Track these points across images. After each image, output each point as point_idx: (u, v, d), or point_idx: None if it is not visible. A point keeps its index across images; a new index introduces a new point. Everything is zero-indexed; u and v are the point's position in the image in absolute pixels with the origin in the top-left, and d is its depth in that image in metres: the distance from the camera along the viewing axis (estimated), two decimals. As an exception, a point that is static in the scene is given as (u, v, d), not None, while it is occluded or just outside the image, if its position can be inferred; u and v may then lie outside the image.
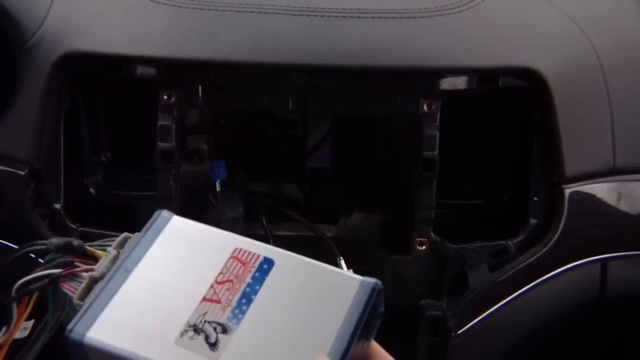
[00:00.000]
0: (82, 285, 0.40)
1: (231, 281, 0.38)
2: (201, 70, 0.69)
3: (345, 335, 0.36)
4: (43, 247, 0.43)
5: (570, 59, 0.70)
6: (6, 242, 0.67)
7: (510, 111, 0.78)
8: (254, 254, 0.40)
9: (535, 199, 0.71)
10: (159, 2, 0.70)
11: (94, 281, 0.39)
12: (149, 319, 0.37)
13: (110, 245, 0.42)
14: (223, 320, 0.37)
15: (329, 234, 0.79)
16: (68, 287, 0.41)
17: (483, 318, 0.68)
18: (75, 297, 0.39)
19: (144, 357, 0.36)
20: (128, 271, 0.39)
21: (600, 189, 0.69)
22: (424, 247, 0.72)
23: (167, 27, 0.69)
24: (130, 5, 0.70)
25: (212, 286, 0.38)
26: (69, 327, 0.37)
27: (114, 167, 0.82)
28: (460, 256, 0.71)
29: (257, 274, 0.39)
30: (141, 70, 0.70)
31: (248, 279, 0.38)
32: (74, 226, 0.70)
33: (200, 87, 0.70)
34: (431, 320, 0.71)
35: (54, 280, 0.41)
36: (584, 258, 0.69)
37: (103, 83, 0.79)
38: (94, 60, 0.69)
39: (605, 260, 0.69)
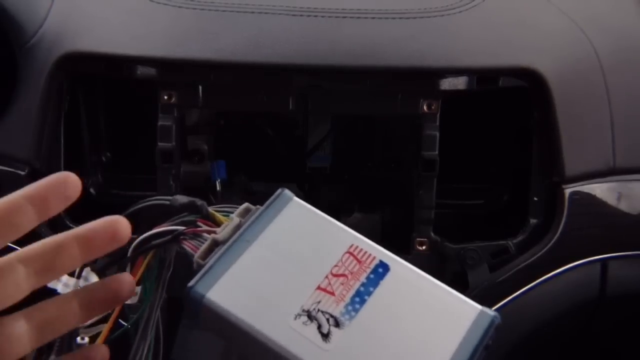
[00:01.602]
0: (204, 246, 0.40)
1: (346, 276, 0.38)
2: (201, 71, 0.69)
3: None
4: (167, 202, 0.44)
5: (570, 59, 0.70)
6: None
7: (510, 111, 0.78)
8: (370, 254, 0.39)
9: (535, 198, 0.71)
10: (159, 3, 0.70)
11: (215, 244, 0.40)
12: (265, 294, 0.37)
13: (231, 212, 0.42)
14: (336, 313, 0.37)
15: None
16: (189, 246, 0.41)
17: (483, 318, 0.68)
18: (196, 256, 0.39)
19: (259, 330, 0.36)
20: (249, 242, 0.39)
21: (600, 189, 0.69)
22: (424, 247, 0.72)
23: (168, 28, 0.69)
24: (130, 5, 0.71)
25: (327, 276, 0.38)
26: (191, 283, 0.37)
27: (114, 167, 0.82)
28: (460, 256, 0.71)
29: (371, 276, 0.38)
30: (141, 70, 0.70)
31: (363, 278, 0.38)
32: (73, 226, 0.70)
33: (200, 87, 0.70)
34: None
35: (177, 237, 0.41)
36: (584, 258, 0.69)
37: (103, 83, 0.79)
38: (94, 61, 0.69)
39: (605, 260, 0.69)
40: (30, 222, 0.34)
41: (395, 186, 0.82)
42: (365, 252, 0.40)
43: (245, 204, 0.42)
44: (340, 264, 0.39)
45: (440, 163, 0.70)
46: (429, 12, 0.69)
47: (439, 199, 0.72)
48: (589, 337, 0.79)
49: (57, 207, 0.35)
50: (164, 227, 0.42)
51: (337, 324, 0.36)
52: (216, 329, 0.38)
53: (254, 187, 0.84)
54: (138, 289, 0.43)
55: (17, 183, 0.67)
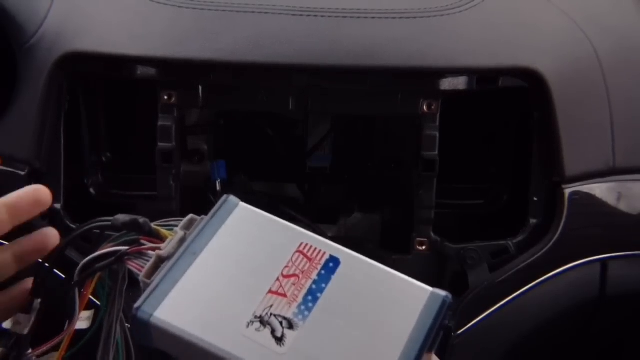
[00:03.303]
0: (149, 264, 0.39)
1: (297, 276, 0.38)
2: (201, 71, 0.69)
3: (415, 347, 0.36)
4: (108, 223, 0.42)
5: (570, 59, 0.70)
6: (6, 242, 0.67)
7: (510, 111, 0.78)
8: (319, 250, 0.39)
9: (535, 199, 0.71)
10: (159, 2, 0.70)
11: (160, 260, 0.39)
12: (215, 306, 0.37)
13: (176, 226, 0.41)
14: (289, 315, 0.36)
15: (329, 234, 0.79)
16: (134, 265, 0.40)
17: (483, 318, 0.68)
18: (142, 275, 0.39)
19: (211, 344, 0.35)
20: (195, 254, 0.38)
21: (600, 189, 0.69)
22: (424, 247, 0.72)
23: (168, 27, 0.69)
24: (130, 5, 0.71)
25: (278, 279, 0.38)
26: (137, 304, 0.36)
27: (114, 167, 0.82)
28: (460, 256, 0.71)
29: (323, 272, 0.38)
30: (141, 70, 0.70)
31: (314, 276, 0.38)
32: (73, 226, 0.70)
33: (200, 87, 0.70)
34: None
35: (120, 258, 0.40)
36: (584, 258, 0.69)
37: (103, 83, 0.79)
38: (94, 60, 0.69)
39: (605, 260, 0.69)
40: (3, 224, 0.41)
41: (395, 186, 0.82)
42: (315, 249, 0.39)
43: (189, 216, 0.41)
44: (290, 264, 0.38)
45: (440, 163, 0.70)
46: (429, 12, 0.69)
47: (439, 199, 0.72)
48: (589, 337, 0.79)
49: (29, 213, 0.42)
50: (106, 248, 0.41)
51: (291, 326, 0.36)
52: (169, 347, 0.37)
53: (254, 187, 0.84)
54: (88, 313, 0.44)
55: (17, 183, 0.67)
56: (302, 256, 0.39)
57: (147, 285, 0.38)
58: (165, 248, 0.39)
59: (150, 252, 0.40)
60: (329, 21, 0.68)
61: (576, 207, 0.68)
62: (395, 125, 0.83)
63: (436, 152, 0.70)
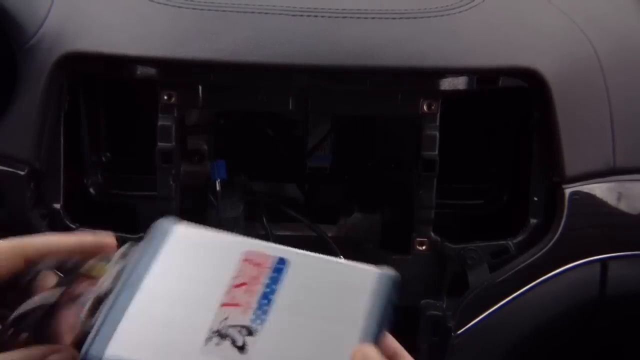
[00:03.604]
0: (87, 306, 0.37)
1: (247, 283, 0.37)
2: (201, 71, 0.69)
3: (372, 325, 0.36)
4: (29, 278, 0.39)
5: (570, 59, 0.70)
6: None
7: (510, 111, 0.78)
8: (266, 255, 0.39)
9: (535, 198, 0.71)
10: (159, 2, 0.70)
11: (99, 300, 0.37)
12: (169, 329, 0.36)
13: (109, 260, 0.39)
14: (246, 322, 0.36)
15: (329, 234, 0.79)
16: (71, 313, 0.37)
17: (483, 318, 0.68)
18: (82, 319, 0.36)
19: None
20: (136, 284, 0.37)
21: (600, 189, 0.69)
22: (424, 247, 0.72)
23: (167, 27, 0.69)
24: (130, 5, 0.70)
25: (228, 291, 0.37)
26: (84, 349, 0.34)
27: (114, 167, 0.82)
28: (460, 256, 0.71)
29: (272, 274, 0.38)
30: (141, 70, 0.70)
31: (264, 280, 0.38)
32: (73, 226, 0.70)
33: (200, 88, 0.70)
34: (431, 320, 0.71)
35: (51, 311, 0.37)
36: (584, 258, 0.69)
37: (103, 83, 0.79)
38: (94, 61, 0.69)
39: (605, 260, 0.69)
40: None
41: (395, 186, 0.82)
42: (262, 254, 0.39)
43: (123, 247, 0.39)
44: (239, 274, 0.38)
45: (440, 163, 0.70)
46: (429, 12, 0.69)
47: (439, 199, 0.72)
48: (589, 337, 0.79)
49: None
50: (31, 302, 0.37)
51: (250, 332, 0.36)
52: None
53: (254, 187, 0.84)
54: None
55: (17, 183, 0.67)
56: (249, 264, 0.38)
57: (90, 326, 0.36)
58: (102, 286, 0.37)
59: (87, 295, 0.37)
60: (329, 21, 0.68)
61: (576, 207, 0.68)
62: (395, 125, 0.83)
63: (436, 152, 0.70)
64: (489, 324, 0.69)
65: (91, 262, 0.39)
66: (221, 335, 0.35)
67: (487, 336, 0.70)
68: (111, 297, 0.36)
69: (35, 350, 0.35)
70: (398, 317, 0.38)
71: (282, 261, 0.39)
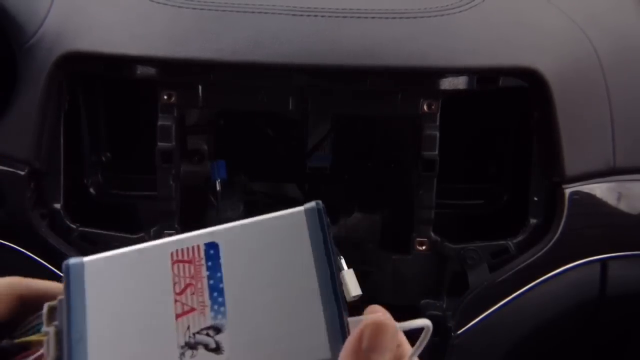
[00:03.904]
0: None
1: (190, 285, 0.36)
2: (201, 70, 0.69)
3: (323, 261, 0.36)
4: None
5: (570, 59, 0.70)
6: (6, 242, 0.67)
7: (510, 111, 0.78)
8: (192, 247, 0.37)
9: (535, 199, 0.71)
10: (159, 2, 0.70)
11: None
12: (137, 348, 0.34)
13: (39, 327, 0.36)
14: (209, 322, 0.35)
15: (329, 234, 0.79)
16: None
17: (483, 318, 0.68)
18: None
19: None
20: (82, 337, 0.35)
21: (600, 189, 0.69)
22: (424, 247, 0.72)
23: (167, 27, 0.69)
24: (130, 5, 0.70)
25: (175, 300, 0.35)
26: None
27: (114, 167, 0.82)
28: (460, 256, 0.71)
29: (209, 264, 0.36)
30: (141, 70, 0.70)
31: (204, 273, 0.36)
32: (73, 226, 0.70)
33: (200, 87, 0.70)
34: (431, 320, 0.71)
35: None
36: (584, 258, 0.69)
37: (103, 83, 0.79)
38: (94, 60, 0.69)
39: (605, 260, 0.69)
40: None
41: (395, 186, 0.82)
42: (188, 248, 0.37)
43: (45, 306, 0.36)
44: (176, 280, 0.36)
45: (440, 163, 0.70)
46: (429, 12, 0.69)
47: (439, 199, 0.72)
48: (589, 336, 0.79)
49: None
50: None
51: (218, 330, 0.34)
52: None
53: (254, 187, 0.84)
54: None
55: (17, 183, 0.67)
56: (181, 264, 0.36)
57: None
58: (49, 354, 0.34)
59: None
60: (329, 21, 0.68)
61: (576, 207, 0.68)
62: (395, 125, 0.83)
63: (436, 152, 0.70)
64: (489, 324, 0.69)
65: (20, 334, 0.36)
66: (191, 346, 0.34)
67: (487, 336, 0.70)
68: (65, 354, 0.34)
69: None
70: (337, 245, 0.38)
71: (210, 246, 0.37)
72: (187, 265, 0.36)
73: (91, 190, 0.80)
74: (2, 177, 0.67)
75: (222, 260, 0.36)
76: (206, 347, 0.34)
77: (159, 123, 0.70)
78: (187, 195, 0.75)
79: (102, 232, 0.70)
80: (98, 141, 0.81)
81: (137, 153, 0.79)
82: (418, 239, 0.72)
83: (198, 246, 0.37)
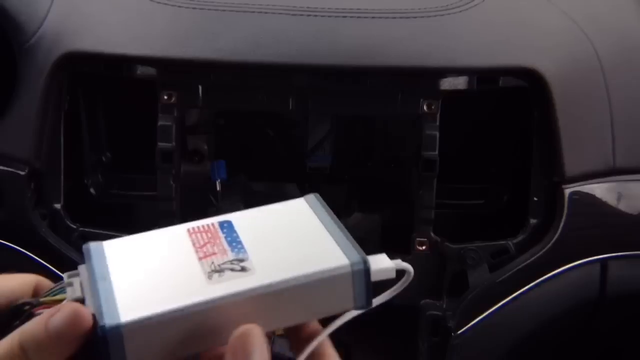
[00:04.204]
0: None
1: (208, 242, 0.37)
2: (201, 70, 0.69)
3: (340, 234, 0.39)
4: None
5: (570, 59, 0.70)
6: (6, 242, 0.67)
7: (510, 111, 0.78)
8: (207, 224, 0.39)
9: (535, 199, 0.71)
10: (159, 2, 0.70)
11: (78, 300, 0.34)
12: (165, 284, 0.35)
13: (62, 290, 0.36)
14: (231, 257, 0.36)
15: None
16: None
17: (483, 318, 0.68)
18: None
19: (194, 303, 0.33)
20: (105, 275, 0.35)
21: (600, 189, 0.69)
22: (424, 247, 0.72)
23: (167, 27, 0.69)
24: (130, 5, 0.71)
25: (196, 250, 0.37)
26: (99, 325, 0.31)
27: (114, 167, 0.82)
28: (460, 256, 0.71)
29: (225, 231, 0.38)
30: (141, 70, 0.70)
31: (221, 234, 0.38)
32: (74, 226, 0.70)
33: (200, 87, 0.70)
34: (431, 320, 0.71)
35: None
36: (584, 258, 0.69)
37: (103, 83, 0.79)
38: (94, 60, 0.69)
39: (605, 260, 0.69)
40: None
41: (395, 186, 0.82)
42: (204, 225, 0.39)
43: (65, 275, 0.36)
44: (195, 241, 0.38)
45: (440, 163, 0.70)
46: (429, 12, 0.69)
47: (439, 199, 0.72)
48: (589, 337, 0.79)
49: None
50: None
51: (242, 260, 0.36)
52: (151, 346, 0.33)
53: (254, 187, 0.84)
54: None
55: (17, 183, 0.67)
56: (198, 233, 0.38)
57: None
58: (72, 294, 0.34)
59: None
60: (329, 21, 0.68)
61: (576, 207, 0.68)
62: (395, 125, 0.83)
63: (436, 152, 0.70)
64: (489, 324, 0.69)
65: (45, 293, 0.36)
66: (218, 270, 0.35)
67: (487, 336, 0.70)
68: (88, 290, 0.34)
69: (33, 324, 0.32)
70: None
71: (224, 222, 0.39)
72: (203, 233, 0.38)
73: (91, 190, 0.80)
74: (2, 177, 0.67)
75: (236, 229, 0.38)
76: (232, 269, 0.35)
77: (159, 123, 0.70)
78: (187, 195, 0.75)
79: (102, 232, 0.70)
80: (98, 141, 0.81)
81: (137, 153, 0.79)
82: (418, 239, 0.72)
83: (212, 224, 0.39)
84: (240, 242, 0.37)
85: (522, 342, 0.71)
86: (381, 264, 0.39)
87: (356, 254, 0.37)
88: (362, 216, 0.83)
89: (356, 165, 0.85)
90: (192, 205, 0.76)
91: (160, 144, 0.69)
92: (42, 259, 0.67)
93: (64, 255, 0.67)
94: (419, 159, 0.70)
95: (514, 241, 0.71)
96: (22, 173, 0.67)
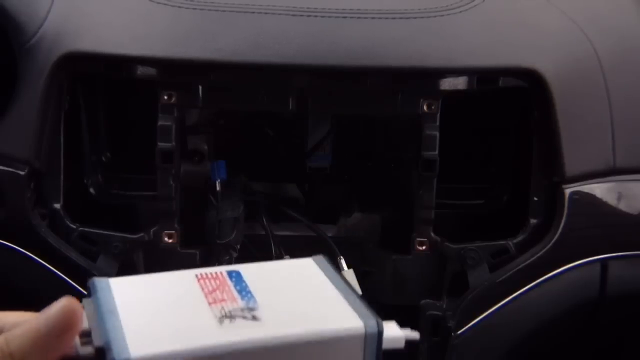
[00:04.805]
0: (76, 339, 0.33)
1: (217, 289, 0.37)
2: (201, 71, 0.69)
3: (349, 291, 0.38)
4: None
5: (570, 59, 0.70)
6: (6, 242, 0.67)
7: (510, 111, 0.78)
8: (215, 272, 0.39)
9: (535, 198, 0.71)
10: (159, 2, 0.70)
11: (85, 333, 0.33)
12: (175, 324, 0.34)
13: None
14: (242, 305, 0.36)
15: (329, 234, 0.79)
16: None
17: (483, 318, 0.68)
18: (78, 344, 0.33)
19: (206, 346, 0.32)
20: (112, 309, 0.35)
21: (600, 189, 0.69)
22: (424, 247, 0.72)
23: (167, 27, 0.69)
24: (130, 5, 0.71)
25: (205, 296, 0.36)
26: (109, 357, 0.31)
27: (114, 167, 0.82)
28: (460, 256, 0.71)
29: (233, 280, 0.38)
30: (141, 70, 0.70)
31: (229, 282, 0.38)
32: (73, 226, 0.70)
33: (200, 87, 0.70)
34: (431, 320, 0.71)
35: None
36: (584, 258, 0.69)
37: (103, 83, 0.79)
38: (94, 61, 0.69)
39: (605, 260, 0.69)
40: None
41: (395, 186, 0.82)
42: (211, 273, 0.39)
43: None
44: (203, 286, 0.37)
45: (440, 163, 0.70)
46: (429, 12, 0.69)
47: (439, 199, 0.72)
48: (589, 337, 0.79)
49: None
50: None
51: (252, 309, 0.35)
52: None
53: (254, 187, 0.84)
54: None
55: (17, 183, 0.67)
56: (207, 280, 0.38)
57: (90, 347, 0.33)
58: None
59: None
60: (328, 21, 0.68)
61: (576, 207, 0.68)
62: (395, 125, 0.83)
63: (436, 152, 0.70)
64: (489, 324, 0.69)
65: None
66: (229, 317, 0.35)
67: (487, 336, 0.70)
68: (95, 325, 0.34)
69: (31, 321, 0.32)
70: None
71: (232, 272, 0.39)
72: (212, 279, 0.38)
73: (91, 190, 0.80)
74: (2, 177, 0.67)
75: (244, 278, 0.38)
76: (244, 317, 0.35)
77: (159, 123, 0.70)
78: (187, 195, 0.75)
79: (102, 232, 0.70)
80: (98, 141, 0.81)
81: (137, 153, 0.79)
82: (418, 239, 0.72)
83: (221, 272, 0.39)
84: (249, 292, 0.37)
85: (522, 342, 0.71)
86: (391, 331, 0.37)
87: (371, 316, 0.36)
88: (362, 216, 0.83)
89: (356, 165, 0.85)
90: (192, 205, 0.76)
91: (160, 144, 0.69)
92: (42, 259, 0.67)
93: (64, 255, 0.67)
94: (419, 159, 0.70)
95: (514, 241, 0.71)
96: (22, 173, 0.67)
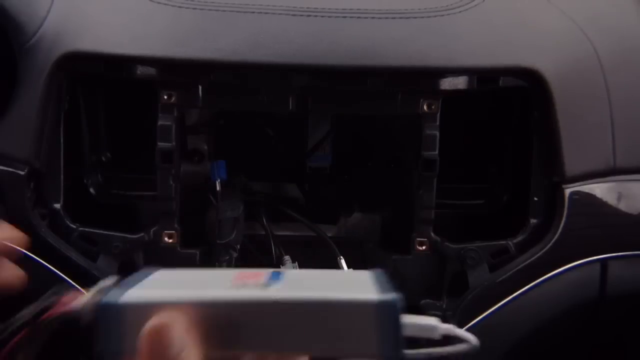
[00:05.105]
0: (92, 290, 0.35)
1: (250, 276, 0.37)
2: (201, 70, 0.69)
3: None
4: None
5: (570, 59, 0.70)
6: (6, 242, 0.67)
7: (510, 111, 0.78)
8: (258, 272, 0.38)
9: (535, 198, 0.71)
10: (159, 2, 0.70)
11: (102, 290, 0.34)
12: (187, 286, 0.35)
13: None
14: (263, 281, 0.36)
15: (329, 234, 0.79)
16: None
17: (483, 318, 0.68)
18: (83, 307, 0.34)
19: (197, 298, 0.33)
20: (140, 276, 0.36)
21: (600, 189, 0.69)
22: (424, 247, 0.72)
23: (167, 27, 0.69)
24: (130, 5, 0.70)
25: (234, 279, 0.36)
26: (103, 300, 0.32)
27: (114, 167, 0.82)
28: (460, 256, 0.71)
29: (273, 274, 0.38)
30: (141, 70, 0.70)
31: (266, 274, 0.38)
32: (73, 226, 0.70)
33: (200, 87, 0.70)
34: (431, 320, 0.71)
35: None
36: (584, 258, 0.69)
37: (103, 83, 0.79)
38: (94, 60, 0.69)
39: (605, 260, 0.69)
40: None
41: (395, 186, 0.82)
42: (255, 272, 0.38)
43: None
44: (237, 277, 0.37)
45: (440, 163, 0.70)
46: (429, 12, 0.69)
47: (439, 199, 0.72)
48: (589, 337, 0.79)
49: None
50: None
51: (269, 285, 0.36)
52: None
53: (254, 187, 0.84)
54: None
55: (17, 183, 0.67)
56: (246, 273, 0.38)
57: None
58: (105, 281, 0.35)
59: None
60: (328, 21, 0.68)
61: (576, 207, 0.68)
62: (395, 125, 0.83)
63: (436, 152, 0.70)
64: (489, 324, 0.69)
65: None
66: (243, 285, 0.35)
67: (487, 336, 0.70)
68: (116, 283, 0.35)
69: None
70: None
71: (275, 273, 0.38)
72: (252, 274, 0.38)
73: (91, 190, 0.80)
74: (2, 177, 0.67)
75: (285, 274, 0.38)
76: (256, 285, 0.35)
77: (159, 123, 0.70)
78: (187, 195, 0.75)
79: (102, 232, 0.70)
80: (98, 141, 0.81)
81: (137, 153, 0.79)
82: (418, 239, 0.72)
83: (264, 272, 0.38)
84: (280, 276, 0.37)
85: (522, 342, 0.71)
86: (423, 320, 0.37)
87: (390, 290, 0.35)
88: (362, 216, 0.83)
89: (356, 165, 0.85)
90: (192, 205, 0.76)
91: (160, 144, 0.69)
92: (42, 259, 0.67)
93: (64, 255, 0.67)
94: (419, 159, 0.71)
95: (514, 241, 0.71)
96: (22, 173, 0.67)
